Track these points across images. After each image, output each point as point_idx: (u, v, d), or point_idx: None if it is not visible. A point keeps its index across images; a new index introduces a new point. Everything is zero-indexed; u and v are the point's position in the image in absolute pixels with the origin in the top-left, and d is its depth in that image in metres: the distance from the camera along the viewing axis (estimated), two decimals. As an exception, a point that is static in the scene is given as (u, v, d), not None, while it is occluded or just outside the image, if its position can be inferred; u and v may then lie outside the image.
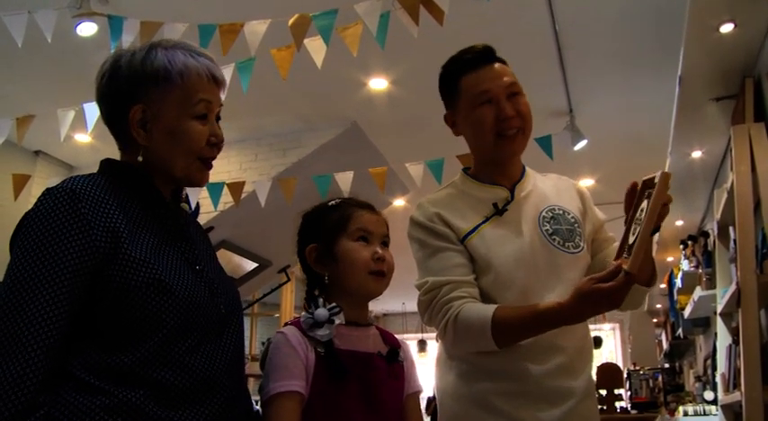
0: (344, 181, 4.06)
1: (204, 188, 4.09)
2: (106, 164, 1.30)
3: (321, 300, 1.39)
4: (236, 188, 4.11)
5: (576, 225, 1.69)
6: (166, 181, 1.31)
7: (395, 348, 1.48)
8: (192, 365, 1.15)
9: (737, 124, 3.19)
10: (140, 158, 1.26)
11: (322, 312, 1.37)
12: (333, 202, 1.52)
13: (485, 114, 1.64)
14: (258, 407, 1.39)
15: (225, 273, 1.40)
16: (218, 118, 1.35)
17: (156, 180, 1.30)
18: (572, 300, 1.39)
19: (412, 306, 13.23)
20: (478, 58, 1.69)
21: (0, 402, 1.01)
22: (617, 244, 1.67)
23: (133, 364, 1.10)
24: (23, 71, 4.28)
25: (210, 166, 1.33)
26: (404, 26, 2.76)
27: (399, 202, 6.52)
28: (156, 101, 1.25)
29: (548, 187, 1.76)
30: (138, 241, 1.18)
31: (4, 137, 3.71)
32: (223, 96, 1.36)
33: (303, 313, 1.39)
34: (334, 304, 1.39)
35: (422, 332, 12.68)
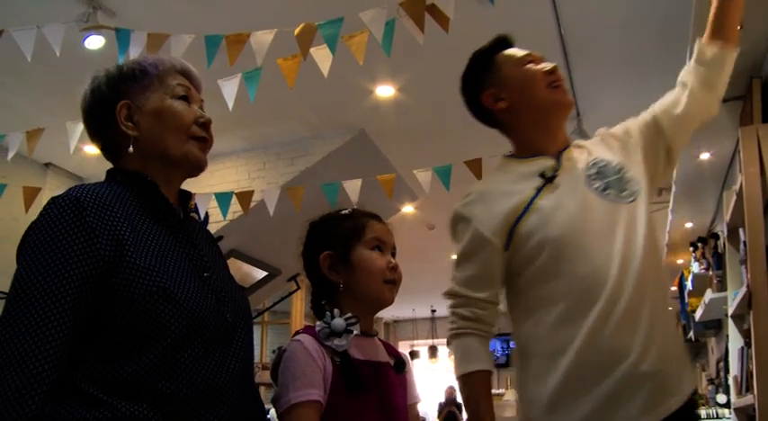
0: (353, 188, 4.07)
1: (213, 198, 4.11)
2: (113, 172, 1.32)
3: (336, 311, 1.39)
4: (244, 197, 4.13)
5: (622, 171, 1.64)
6: (168, 175, 1.31)
7: (400, 359, 1.50)
8: (197, 375, 1.14)
9: (745, 125, 3.18)
10: (131, 149, 1.29)
11: (339, 322, 1.37)
12: (345, 211, 1.54)
13: (533, 70, 1.69)
14: (271, 415, 1.39)
15: (235, 281, 1.39)
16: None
17: (160, 183, 1.30)
18: None
19: (422, 312, 13.28)
20: (508, 41, 1.80)
21: (5, 412, 1.01)
22: (650, 111, 1.76)
23: (137, 374, 1.09)
24: (33, 85, 4.31)
25: (206, 146, 1.34)
26: (409, 33, 2.76)
27: (408, 209, 6.52)
28: (137, 94, 1.31)
29: (585, 148, 1.73)
30: (143, 249, 1.18)
31: (14, 150, 3.74)
32: (200, 95, 1.39)
33: (318, 322, 1.39)
34: (350, 314, 1.38)
35: (432, 338, 12.65)
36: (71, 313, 1.08)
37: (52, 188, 5.14)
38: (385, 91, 4.61)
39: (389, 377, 1.44)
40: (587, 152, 1.70)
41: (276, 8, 3.54)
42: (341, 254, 1.46)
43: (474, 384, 1.55)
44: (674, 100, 1.73)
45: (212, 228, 5.12)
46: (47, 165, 5.57)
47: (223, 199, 4.13)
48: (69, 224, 1.13)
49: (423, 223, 7.12)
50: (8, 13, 3.46)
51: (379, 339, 1.53)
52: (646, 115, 1.76)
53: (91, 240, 1.12)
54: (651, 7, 3.71)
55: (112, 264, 1.13)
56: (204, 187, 4.67)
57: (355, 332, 1.37)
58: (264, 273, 6.33)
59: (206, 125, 1.34)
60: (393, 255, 1.51)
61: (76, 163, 5.51)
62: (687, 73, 1.74)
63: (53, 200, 1.17)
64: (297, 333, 1.41)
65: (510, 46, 1.78)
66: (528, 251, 1.56)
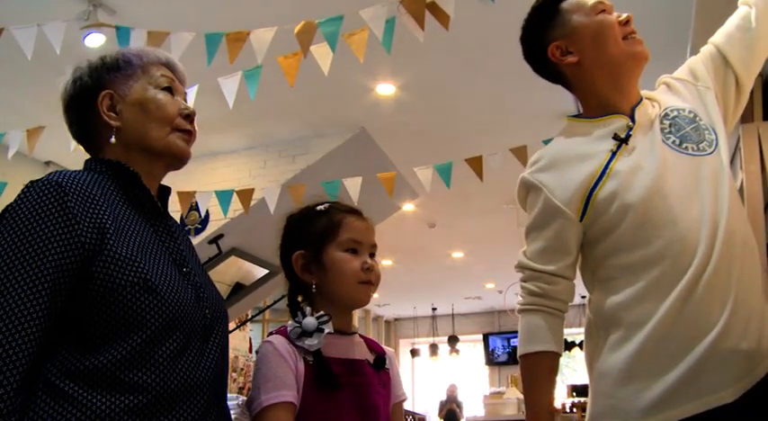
0: (353, 186, 4.07)
1: (214, 196, 4.11)
2: (92, 162, 1.28)
3: (309, 309, 1.36)
4: (245, 195, 4.13)
5: (697, 119, 1.53)
6: (149, 167, 1.28)
7: (381, 356, 1.46)
8: (174, 370, 1.11)
9: (746, 123, 3.17)
10: (113, 140, 1.26)
11: (310, 321, 1.33)
12: (321, 207, 1.48)
13: (608, 20, 1.55)
14: (235, 415, 1.36)
15: (209, 277, 1.37)
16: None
17: (141, 173, 1.26)
18: None
19: (423, 310, 13.28)
20: None
21: None
22: (719, 37, 1.62)
23: (111, 365, 1.06)
24: (33, 83, 4.31)
25: (190, 139, 1.31)
26: (410, 31, 2.76)
27: (409, 207, 6.52)
28: (121, 84, 1.28)
29: (656, 94, 1.63)
30: (125, 239, 1.14)
31: (15, 148, 3.74)
32: (184, 88, 1.37)
33: (290, 322, 1.36)
34: (322, 312, 1.35)
35: (433, 336, 12.66)
36: (48, 300, 1.04)
37: (53, 186, 5.15)
38: (385, 89, 4.61)
39: (367, 374, 1.40)
40: (658, 104, 1.58)
41: (276, 6, 3.53)
42: (313, 253, 1.42)
43: (534, 366, 1.46)
44: (739, 25, 1.61)
45: (213, 226, 5.13)
46: (47, 163, 5.57)
47: (224, 197, 4.13)
48: (50, 209, 1.08)
49: (423, 221, 7.12)
50: (8, 11, 3.46)
51: (362, 336, 1.49)
52: (708, 48, 1.64)
53: (72, 226, 1.08)
54: (652, 5, 3.70)
55: (93, 252, 1.09)
56: (205, 185, 4.67)
57: (328, 330, 1.33)
58: (265, 271, 6.33)
59: (190, 117, 1.31)
60: (372, 254, 1.46)
61: (77, 161, 5.43)
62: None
63: (32, 183, 1.13)
64: (270, 333, 1.39)
65: None
66: (608, 219, 1.44)
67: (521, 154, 3.54)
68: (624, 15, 1.56)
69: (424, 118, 5.01)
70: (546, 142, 3.94)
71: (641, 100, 1.58)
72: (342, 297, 1.42)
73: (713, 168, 1.45)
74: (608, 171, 1.46)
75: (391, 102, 4.76)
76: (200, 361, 1.16)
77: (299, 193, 4.10)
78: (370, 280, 1.42)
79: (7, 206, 1.12)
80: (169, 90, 1.30)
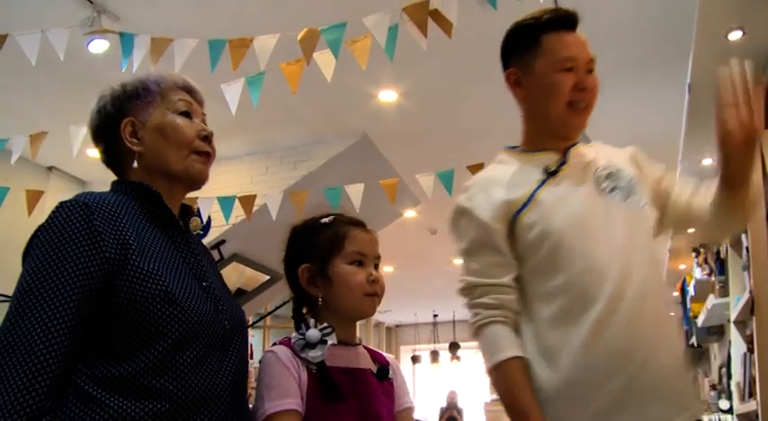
0: (355, 193, 4.07)
1: (216, 202, 4.11)
2: (118, 184, 1.36)
3: (312, 321, 1.37)
4: (247, 201, 4.13)
5: (632, 181, 1.59)
6: (171, 189, 1.34)
7: (384, 366, 1.47)
8: (194, 378, 1.17)
9: (748, 131, 3.18)
10: (135, 165, 1.33)
11: (314, 333, 1.35)
12: (325, 220, 1.49)
13: (564, 81, 1.56)
14: None
15: (229, 291, 1.43)
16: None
17: (163, 194, 1.33)
18: None
19: (424, 317, 13.25)
20: (566, 19, 1.61)
21: (11, 409, 1.03)
22: (678, 188, 1.66)
23: (135, 373, 1.12)
24: (36, 88, 4.32)
25: (208, 160, 1.37)
26: (412, 38, 2.77)
27: (410, 214, 6.52)
28: (141, 111, 1.35)
29: (601, 151, 1.68)
30: (147, 254, 1.21)
31: (18, 154, 3.75)
32: (203, 110, 1.42)
33: (294, 334, 1.37)
34: (325, 324, 1.36)
35: (434, 342, 12.64)
36: (75, 313, 1.11)
37: (55, 192, 5.15)
38: (388, 96, 4.62)
39: (371, 384, 1.40)
40: (600, 155, 1.65)
41: (279, 13, 3.55)
42: (319, 267, 1.43)
43: (510, 372, 1.44)
44: (686, 202, 1.65)
45: (214, 232, 5.12)
46: (50, 168, 5.58)
47: (225, 203, 4.13)
48: (77, 227, 1.16)
49: (425, 228, 7.11)
50: (12, 17, 3.47)
51: (366, 347, 1.50)
52: (665, 185, 1.68)
53: (97, 243, 1.16)
54: (653, 12, 3.71)
55: (117, 267, 1.16)
56: (206, 191, 4.66)
57: (331, 342, 1.34)
58: (267, 277, 6.33)
59: (208, 138, 1.37)
60: (377, 265, 1.47)
61: (80, 166, 5.52)
62: (706, 197, 1.62)
63: (62, 204, 1.20)
64: (273, 344, 1.40)
65: (570, 26, 1.61)
66: (528, 242, 1.50)
67: (522, 161, 3.54)
68: (583, 84, 1.58)
69: (427, 125, 5.01)
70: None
71: (576, 143, 1.65)
72: (348, 309, 1.43)
73: (639, 217, 1.54)
74: (533, 198, 1.52)
75: (393, 108, 4.77)
76: (219, 370, 1.22)
77: (301, 200, 4.11)
78: (375, 292, 1.43)
79: (39, 226, 1.20)
80: (187, 114, 1.37)
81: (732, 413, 4.25)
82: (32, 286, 1.11)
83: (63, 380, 1.10)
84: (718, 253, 4.54)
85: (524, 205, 1.52)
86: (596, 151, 1.68)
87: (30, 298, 1.10)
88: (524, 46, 1.62)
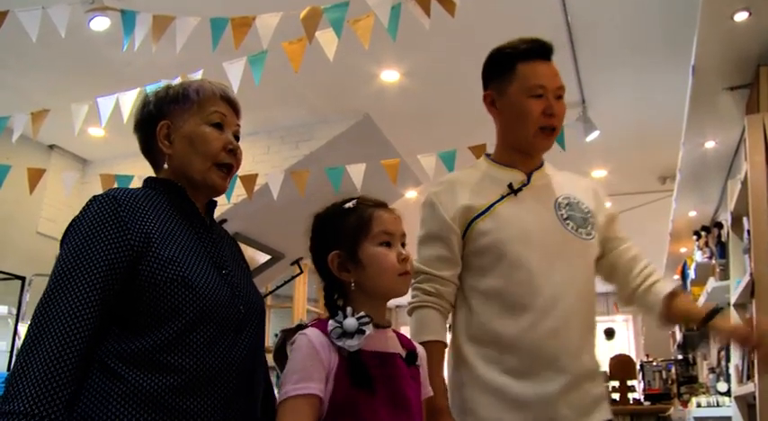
0: (357, 173, 4.07)
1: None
2: (149, 180, 1.48)
3: (349, 310, 1.36)
4: (248, 181, 4.13)
5: (589, 215, 1.79)
6: (193, 190, 1.46)
7: (412, 351, 1.47)
8: (206, 355, 1.28)
9: (752, 114, 3.17)
10: (166, 166, 1.45)
11: (351, 322, 1.34)
12: (348, 205, 1.48)
13: (534, 107, 1.73)
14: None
15: (254, 284, 1.52)
16: (237, 138, 1.51)
17: (189, 192, 1.45)
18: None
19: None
20: (541, 50, 1.79)
21: (44, 377, 1.16)
22: (627, 245, 1.84)
23: (153, 348, 1.24)
24: (38, 66, 4.31)
25: (230, 174, 1.49)
26: (415, 18, 2.75)
27: (411, 194, 6.52)
28: (177, 116, 1.46)
29: (564, 179, 1.86)
30: (169, 243, 1.34)
31: (19, 131, 3.74)
32: (239, 120, 1.52)
33: (330, 321, 1.36)
34: (363, 313, 1.36)
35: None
36: (101, 295, 1.25)
37: (57, 170, 5.14)
38: (390, 75, 4.60)
39: (400, 368, 1.41)
40: (564, 183, 1.84)
41: (282, -9, 3.52)
42: (349, 252, 1.42)
43: (429, 354, 1.59)
44: (615, 257, 1.85)
45: (216, 211, 5.11)
46: (51, 146, 5.57)
47: (227, 183, 4.13)
48: (105, 218, 1.31)
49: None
50: (13, -7, 3.45)
51: (395, 331, 1.50)
52: (611, 233, 1.86)
53: (122, 232, 1.30)
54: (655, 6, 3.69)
55: (140, 253, 1.29)
56: (208, 170, 4.66)
57: (368, 332, 1.34)
58: (268, 257, 6.35)
59: (234, 152, 1.48)
60: (403, 244, 1.47)
61: (81, 145, 5.52)
62: (643, 294, 1.80)
63: (94, 197, 1.35)
64: (300, 326, 1.40)
65: (544, 57, 1.79)
66: (478, 247, 1.71)
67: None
68: (554, 109, 1.74)
69: (429, 105, 5.00)
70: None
71: (541, 166, 1.85)
72: (382, 291, 1.43)
73: (584, 249, 1.75)
74: (491, 209, 1.72)
75: (396, 88, 4.75)
76: (230, 350, 1.32)
77: (303, 179, 4.11)
78: (407, 270, 1.44)
79: (74, 218, 1.35)
80: (220, 125, 1.47)
81: (730, 395, 4.27)
82: (65, 271, 1.25)
83: (88, 355, 1.22)
84: (719, 236, 4.54)
85: (482, 213, 1.72)
86: (562, 178, 1.87)
87: (62, 281, 1.24)
88: (501, 71, 1.79)
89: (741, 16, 2.89)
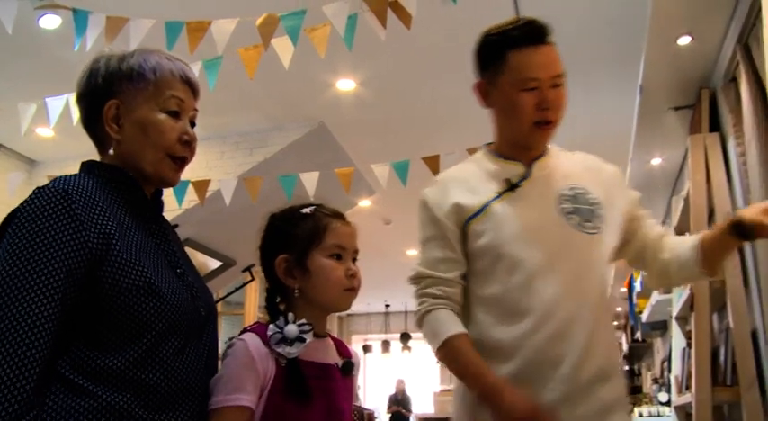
0: (310, 181, 4.07)
1: (168, 185, 4.05)
2: (91, 165, 1.29)
3: (291, 316, 1.33)
4: (201, 186, 4.09)
5: (596, 206, 1.61)
6: (142, 181, 1.30)
7: (349, 360, 1.45)
8: (176, 368, 1.17)
9: (694, 134, 3.28)
10: (111, 152, 1.28)
11: (292, 329, 1.31)
12: (306, 210, 1.43)
13: (527, 101, 1.56)
14: None
15: (200, 275, 1.41)
16: (192, 124, 1.35)
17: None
18: (502, 391, 1.42)
19: (376, 307, 13.26)
20: (533, 34, 1.59)
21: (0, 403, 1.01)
22: (651, 221, 1.71)
23: (123, 366, 1.12)
24: (-16, 63, 4.20)
25: (182, 166, 1.33)
26: (372, 29, 2.78)
27: (365, 203, 6.53)
28: (129, 96, 1.28)
29: (573, 165, 1.70)
30: (128, 243, 1.19)
31: (-37, 130, 3.64)
32: (197, 103, 1.37)
33: (270, 326, 1.32)
34: (304, 321, 1.33)
35: (385, 332, 12.71)
36: (59, 303, 1.09)
37: (3, 170, 5.01)
38: (346, 85, 4.62)
39: (336, 380, 1.39)
40: (573, 170, 1.67)
41: (239, -3, 3.51)
42: (297, 258, 1.38)
43: (459, 346, 1.51)
44: (652, 250, 1.69)
45: (167, 216, 5.00)
46: (-3, 146, 5.43)
47: (179, 187, 4.08)
48: (58, 215, 1.12)
49: (378, 218, 7.14)
50: (-39, -12, 3.36)
51: (332, 337, 1.48)
52: (635, 220, 1.70)
53: (79, 233, 1.12)
54: (606, 14, 3.79)
55: (99, 257, 1.13)
56: (160, 174, 4.59)
57: (309, 339, 1.31)
58: (219, 263, 6.29)
59: (189, 143, 1.32)
60: (354, 259, 1.43)
61: (28, 145, 5.38)
62: (674, 251, 1.65)
63: (40, 190, 1.16)
64: (244, 330, 1.36)
65: (538, 41, 1.59)
66: (475, 248, 1.58)
67: (477, 155, 3.58)
68: (550, 102, 1.57)
69: (383, 115, 5.03)
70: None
71: (545, 153, 1.68)
72: (325, 303, 1.40)
73: (591, 244, 1.57)
74: (486, 209, 1.58)
75: (351, 97, 4.77)
76: (196, 358, 1.23)
77: (256, 186, 4.08)
78: (353, 286, 1.40)
79: (15, 211, 1.15)
80: (176, 113, 1.30)
81: (670, 405, 4.39)
82: (13, 278, 1.07)
83: (46, 374, 1.08)
84: (663, 250, 4.65)
85: (476, 213, 1.58)
86: (571, 163, 1.70)
87: (11, 289, 1.06)
88: (491, 60, 1.62)
89: (684, 40, 3.00)
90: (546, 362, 1.49)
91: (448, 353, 1.53)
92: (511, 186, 1.60)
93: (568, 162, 1.70)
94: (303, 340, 1.31)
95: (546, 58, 1.58)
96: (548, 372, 1.48)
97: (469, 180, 1.64)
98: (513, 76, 1.57)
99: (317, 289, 1.38)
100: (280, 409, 1.27)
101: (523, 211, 1.57)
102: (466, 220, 1.59)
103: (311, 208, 1.44)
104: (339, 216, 1.45)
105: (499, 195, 1.59)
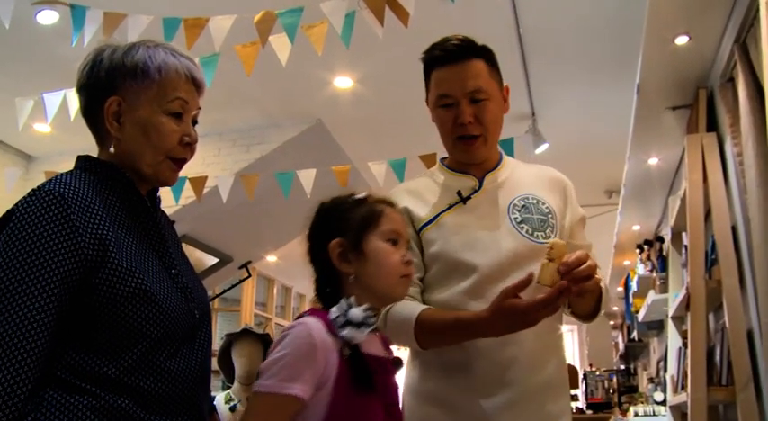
0: (307, 178, 4.07)
1: (165, 182, 4.04)
2: (86, 161, 1.27)
3: (353, 298, 1.26)
4: (198, 183, 4.09)
5: (549, 216, 1.65)
6: (139, 180, 1.28)
7: (397, 357, 1.41)
8: (171, 371, 1.16)
9: (691, 133, 3.28)
10: (112, 150, 1.26)
11: (357, 312, 1.24)
12: (360, 196, 1.40)
13: (444, 117, 1.64)
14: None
15: (195, 272, 1.39)
16: (194, 122, 1.33)
17: (133, 180, 1.27)
18: (488, 313, 1.40)
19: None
20: (450, 54, 1.63)
21: None
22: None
23: (119, 373, 1.11)
24: (-19, 58, 4.19)
25: (181, 167, 1.31)
26: (369, 26, 2.77)
27: (362, 201, 6.53)
28: (132, 94, 1.24)
29: (527, 175, 1.73)
30: (123, 248, 1.17)
31: (-41, 125, 3.63)
32: (201, 101, 1.35)
33: (333, 309, 1.25)
34: (368, 306, 1.26)
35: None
36: (54, 310, 1.08)
37: (0, 166, 5.01)
38: (343, 82, 4.61)
39: (391, 374, 1.34)
40: (525, 181, 1.70)
41: (237, -7, 3.50)
42: (353, 242, 1.32)
43: (430, 318, 1.50)
44: None
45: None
46: (-6, 141, 5.42)
47: (176, 184, 4.06)
48: (53, 220, 1.10)
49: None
50: (-43, -17, 3.35)
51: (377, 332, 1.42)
52: (574, 226, 1.73)
53: (75, 239, 1.11)
54: (606, 13, 3.79)
55: (95, 264, 1.12)
56: (157, 171, 4.58)
57: (374, 326, 1.25)
58: (216, 260, 6.28)
59: (190, 145, 1.30)
60: (408, 248, 1.40)
61: (25, 141, 5.37)
62: None
63: (35, 193, 1.14)
64: (301, 315, 1.28)
65: (457, 59, 1.63)
66: (427, 256, 1.62)
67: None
68: (464, 117, 1.60)
69: (381, 113, 5.03)
70: (501, 143, 4.00)
71: (498, 164, 1.72)
72: (381, 290, 1.34)
73: (533, 254, 1.56)
74: (437, 219, 1.63)
75: (348, 95, 4.77)
76: (189, 361, 1.21)
77: (253, 183, 4.08)
78: (410, 273, 1.37)
79: (10, 213, 1.14)
80: (179, 115, 1.28)
81: (665, 404, 4.40)
82: (9, 284, 1.06)
83: (42, 379, 1.08)
84: (660, 250, 4.67)
85: (428, 222, 1.63)
86: (524, 174, 1.73)
87: (7, 297, 1.05)
88: (426, 79, 1.71)
89: (682, 40, 3.00)
90: (492, 368, 1.52)
91: (425, 328, 1.51)
92: (462, 199, 1.64)
93: (523, 173, 1.74)
94: (369, 325, 1.24)
95: (460, 74, 1.62)
96: (493, 377, 1.52)
97: (422, 192, 1.69)
98: (433, 94, 1.67)
99: (373, 274, 1.32)
100: (349, 404, 1.21)
101: (473, 222, 1.62)
102: (419, 229, 1.63)
103: (363, 194, 1.41)
104: (392, 204, 1.42)
105: (450, 207, 1.64)
